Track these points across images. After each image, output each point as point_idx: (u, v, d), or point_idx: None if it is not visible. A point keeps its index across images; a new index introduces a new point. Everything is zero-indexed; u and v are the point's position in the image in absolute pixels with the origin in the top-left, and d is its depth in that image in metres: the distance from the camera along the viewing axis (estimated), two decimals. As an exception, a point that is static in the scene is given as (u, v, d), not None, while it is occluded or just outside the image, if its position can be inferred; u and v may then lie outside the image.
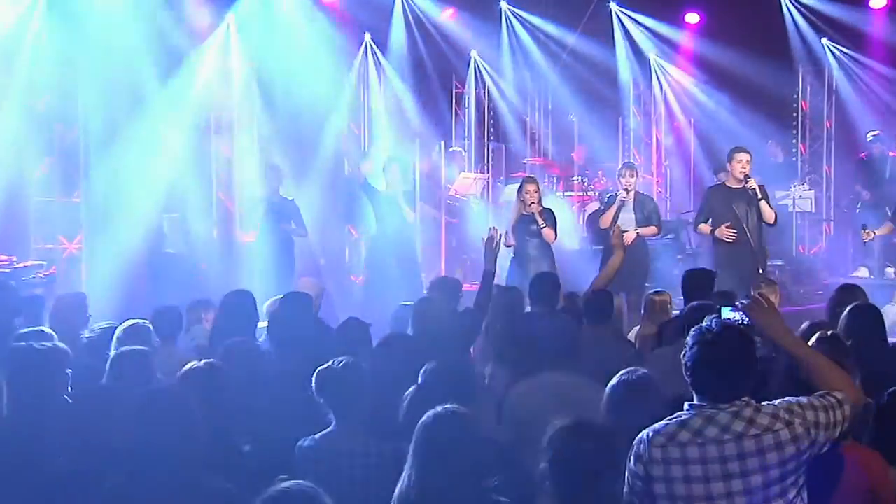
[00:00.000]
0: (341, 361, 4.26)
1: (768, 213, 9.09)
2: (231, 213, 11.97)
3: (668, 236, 12.10)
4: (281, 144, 11.94)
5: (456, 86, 14.56)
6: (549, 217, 9.38)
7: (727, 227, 8.96)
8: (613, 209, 9.48)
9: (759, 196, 8.95)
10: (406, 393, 4.28)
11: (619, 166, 10.16)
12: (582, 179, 14.15)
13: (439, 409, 3.47)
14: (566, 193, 13.96)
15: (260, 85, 12.08)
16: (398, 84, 13.32)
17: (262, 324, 6.15)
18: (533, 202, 9.29)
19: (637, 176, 9.71)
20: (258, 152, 12.03)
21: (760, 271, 8.90)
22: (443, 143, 12.94)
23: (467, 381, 4.16)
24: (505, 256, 8.72)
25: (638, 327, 7.25)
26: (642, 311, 7.43)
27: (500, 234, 7.18)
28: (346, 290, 11.31)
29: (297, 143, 12.05)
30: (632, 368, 4.12)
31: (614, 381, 4.05)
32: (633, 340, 6.90)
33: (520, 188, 9.51)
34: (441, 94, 13.91)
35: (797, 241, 13.23)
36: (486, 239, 6.54)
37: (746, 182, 8.92)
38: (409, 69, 13.30)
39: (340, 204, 11.98)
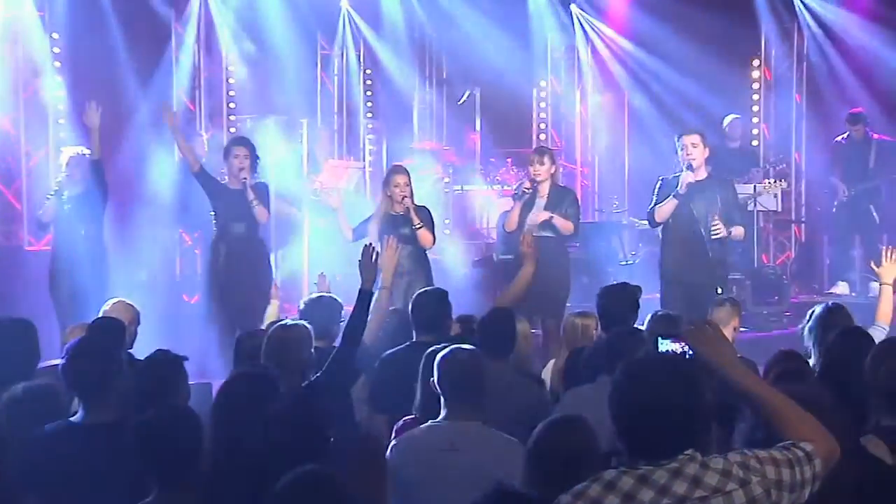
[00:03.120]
0: (171, 411, 4.26)
1: (737, 233, 9.36)
2: (18, 212, 11.74)
3: (596, 243, 12.27)
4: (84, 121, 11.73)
5: (322, 46, 14.49)
6: (426, 215, 9.46)
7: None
8: (518, 206, 9.61)
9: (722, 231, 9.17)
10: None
11: (532, 151, 10.28)
12: (486, 169, 14.25)
13: (299, 472, 3.44)
14: (465, 187, 14.04)
15: (53, 40, 11.84)
16: (244, 43, 13.19)
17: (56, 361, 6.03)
18: (405, 196, 9.34)
19: (552, 163, 9.83)
20: (51, 130, 11.77)
21: (720, 290, 9.08)
22: (305, 120, 12.87)
23: (318, 431, 4.18)
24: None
25: (553, 361, 7.33)
26: (562, 339, 7.52)
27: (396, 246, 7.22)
28: (177, 313, 11.16)
29: (107, 120, 11.82)
30: (563, 416, 4.16)
31: (538, 432, 4.07)
32: (548, 377, 6.99)
33: (386, 180, 9.57)
34: (302, 56, 13.83)
35: (759, 249, 13.45)
36: (364, 250, 6.52)
37: (687, 186, 9.13)
38: (257, 22, 13.19)
39: (168, 200, 11.81)
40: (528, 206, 9.62)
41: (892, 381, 4.32)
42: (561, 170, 10.45)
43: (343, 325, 6.70)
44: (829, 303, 6.70)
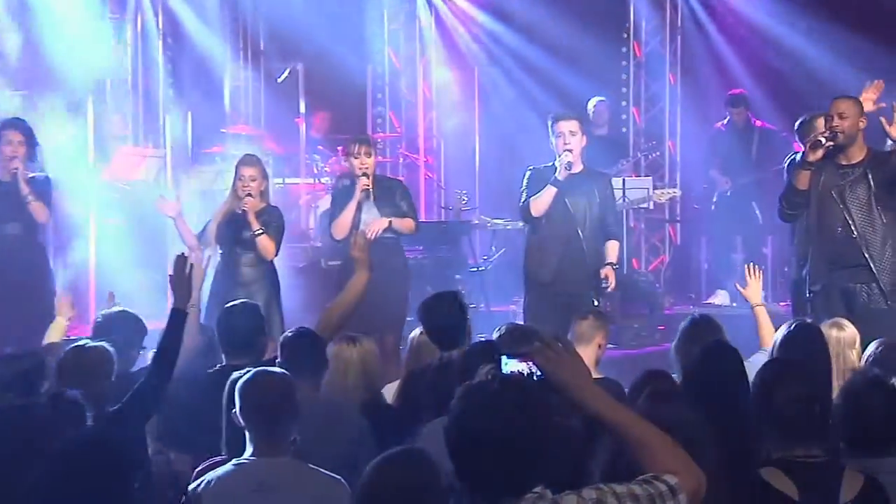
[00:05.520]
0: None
1: (612, 252, 9.49)
2: None
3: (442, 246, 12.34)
4: None
5: (111, 10, 14.28)
6: (273, 219, 9.41)
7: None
8: (351, 207, 9.59)
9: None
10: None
11: (350, 141, 10.24)
12: (313, 159, 14.22)
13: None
14: (288, 181, 13.99)
15: None
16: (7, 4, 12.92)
17: None
18: (249, 193, 9.28)
19: (375, 154, 9.91)
20: None
21: (596, 302, 9.18)
22: (90, 98, 12.66)
23: (117, 474, 4.12)
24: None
25: (396, 383, 7.37)
26: (405, 358, 7.58)
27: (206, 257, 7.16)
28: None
29: None
30: (402, 448, 4.19)
31: (372, 466, 4.09)
32: (390, 400, 7.03)
33: (236, 171, 9.51)
34: (87, 22, 13.59)
35: (629, 252, 13.66)
36: (177, 262, 6.42)
37: (567, 168, 9.23)
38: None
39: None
40: (358, 206, 9.63)
41: (788, 409, 4.43)
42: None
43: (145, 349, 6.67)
44: (695, 314, 6.91)
